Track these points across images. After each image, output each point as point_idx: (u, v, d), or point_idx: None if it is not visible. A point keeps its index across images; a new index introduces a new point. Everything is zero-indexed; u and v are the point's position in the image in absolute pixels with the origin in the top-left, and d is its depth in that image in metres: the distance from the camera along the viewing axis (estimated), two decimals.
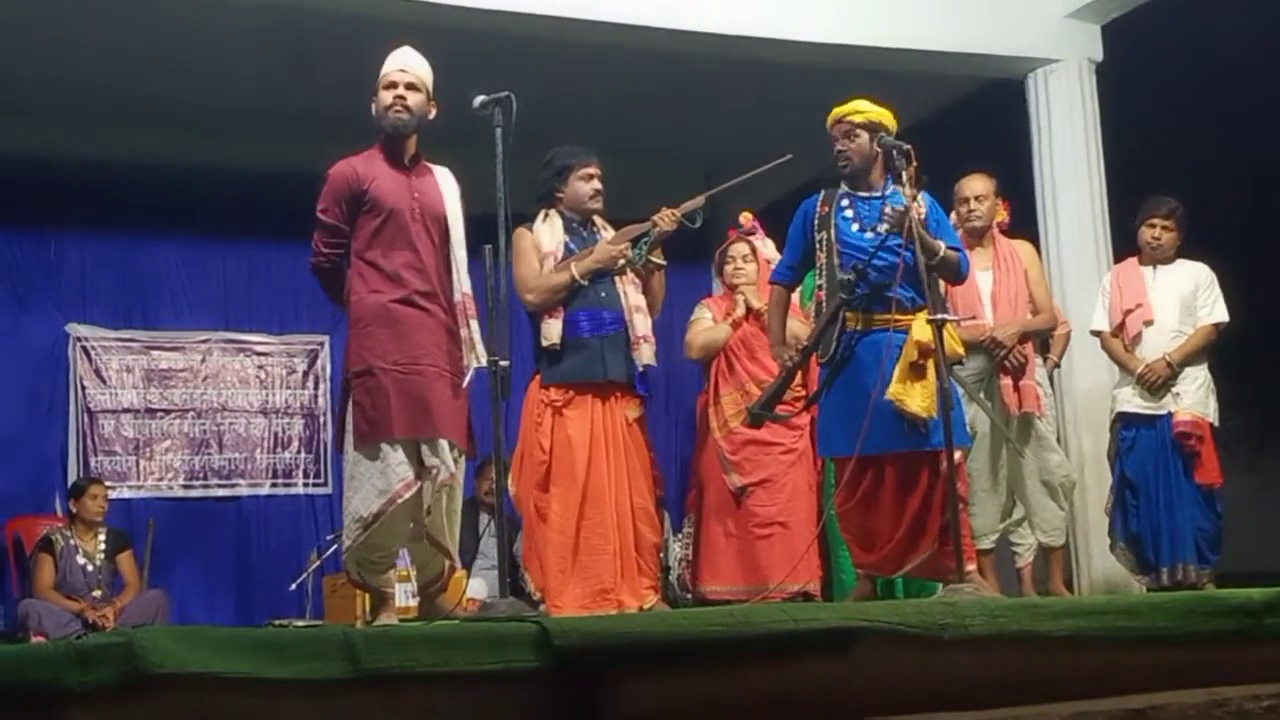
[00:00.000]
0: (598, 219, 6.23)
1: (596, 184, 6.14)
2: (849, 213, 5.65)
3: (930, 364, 5.31)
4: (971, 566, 5.59)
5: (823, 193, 5.77)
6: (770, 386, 5.88)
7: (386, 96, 5.28)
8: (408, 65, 5.32)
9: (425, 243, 5.26)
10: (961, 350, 5.62)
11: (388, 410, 5.07)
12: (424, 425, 5.15)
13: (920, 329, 5.31)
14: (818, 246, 5.68)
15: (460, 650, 3.10)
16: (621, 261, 6.07)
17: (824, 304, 5.65)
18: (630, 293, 6.10)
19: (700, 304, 7.22)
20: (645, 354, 6.06)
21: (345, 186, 5.21)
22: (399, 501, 5.06)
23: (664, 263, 6.24)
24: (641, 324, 6.08)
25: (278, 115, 8.66)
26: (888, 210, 5.49)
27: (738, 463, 6.69)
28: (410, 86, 5.28)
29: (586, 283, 5.99)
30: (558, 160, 6.14)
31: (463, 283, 5.31)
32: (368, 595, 5.45)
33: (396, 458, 5.08)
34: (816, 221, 5.71)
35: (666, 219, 6.11)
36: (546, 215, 6.13)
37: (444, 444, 5.19)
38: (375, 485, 5.07)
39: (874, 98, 5.72)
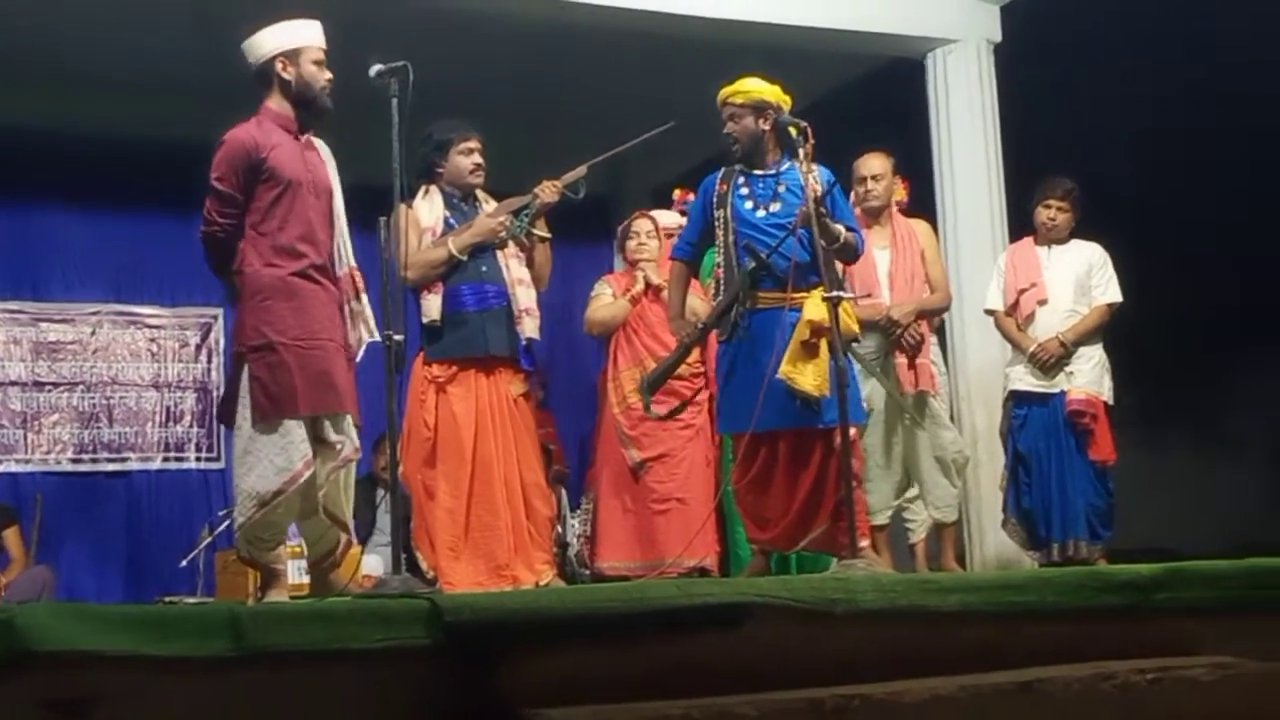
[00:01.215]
0: (480, 193, 6.18)
1: (477, 158, 6.10)
2: (744, 190, 5.69)
3: (823, 342, 5.35)
4: (865, 542, 5.65)
5: (722, 170, 5.80)
6: (664, 361, 5.89)
7: (319, 73, 5.18)
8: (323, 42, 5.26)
9: (317, 215, 5.17)
10: (857, 328, 5.66)
11: (292, 386, 4.96)
12: (329, 400, 5.07)
13: (813, 308, 5.36)
14: (716, 225, 5.71)
15: (350, 627, 3.07)
16: (502, 234, 6.02)
17: (722, 282, 5.67)
18: (513, 266, 6.05)
19: (600, 280, 7.20)
20: (529, 327, 6.03)
21: (244, 155, 5.04)
22: (300, 481, 4.97)
23: (549, 235, 6.20)
24: (525, 297, 6.04)
25: (172, 84, 8.48)
26: (799, 210, 5.50)
27: (636, 438, 6.69)
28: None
29: (465, 258, 5.95)
30: (437, 134, 6.08)
31: (349, 256, 5.25)
32: (257, 572, 5.37)
33: (300, 435, 4.98)
34: (715, 199, 5.74)
35: (548, 190, 6.07)
36: (426, 191, 6.08)
37: (348, 419, 5.14)
38: (274, 463, 4.95)
39: (763, 74, 5.73)
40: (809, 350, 5.39)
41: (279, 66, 5.17)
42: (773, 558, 6.10)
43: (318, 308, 5.10)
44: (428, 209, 6.05)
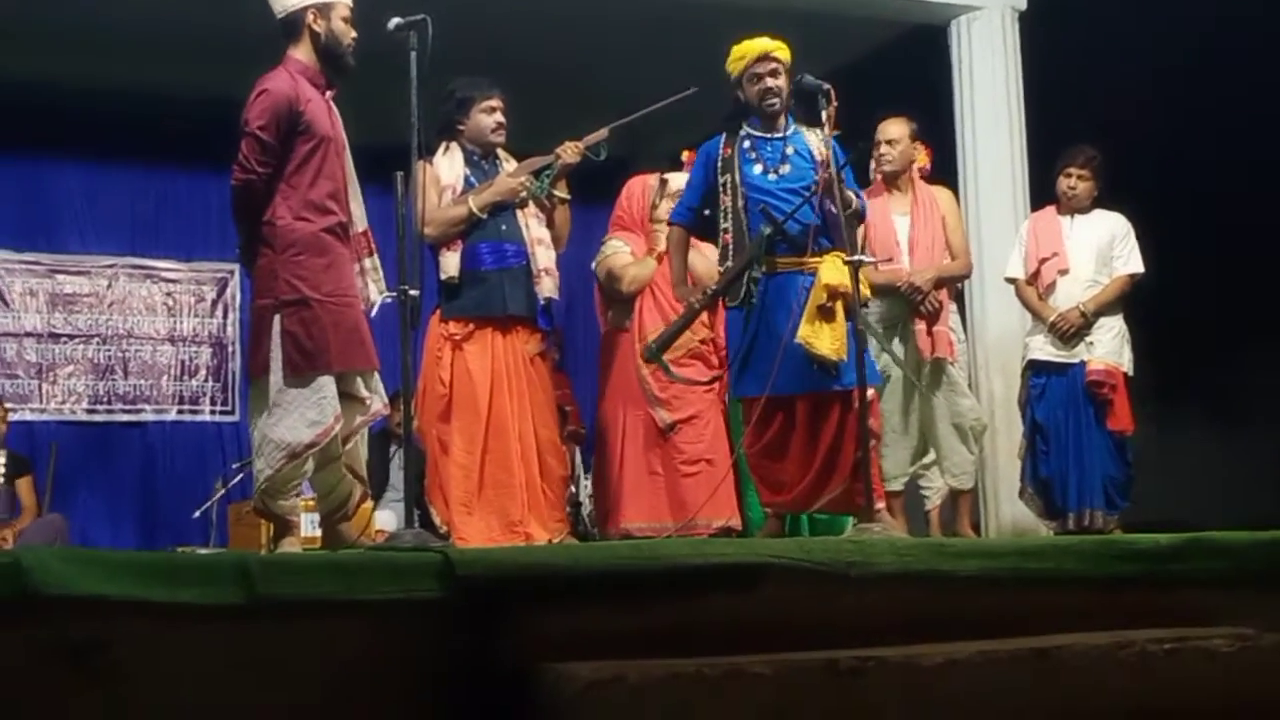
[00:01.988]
0: (500, 152, 6.16)
1: (499, 117, 6.08)
2: (752, 155, 5.62)
3: (839, 306, 5.31)
4: (881, 505, 5.62)
5: (724, 135, 5.72)
6: (671, 325, 5.86)
7: (347, 30, 5.16)
8: None
9: (339, 173, 5.17)
10: (868, 292, 5.63)
11: (325, 342, 4.97)
12: (360, 357, 5.10)
13: (829, 271, 5.32)
14: (721, 190, 5.65)
15: (360, 578, 3.04)
16: (523, 194, 6.01)
17: (730, 247, 5.61)
18: (533, 225, 6.05)
19: (613, 236, 7.00)
20: (547, 287, 6.02)
21: (286, 105, 4.98)
22: (331, 434, 4.99)
23: (568, 196, 6.18)
24: (544, 257, 6.03)
25: (188, 37, 8.45)
26: (819, 176, 5.47)
27: (666, 400, 6.53)
28: None
29: (484, 216, 5.94)
30: (459, 92, 6.07)
31: (363, 216, 5.26)
32: (271, 524, 5.36)
33: (332, 389, 5.00)
34: (720, 164, 5.67)
35: (569, 151, 6.06)
36: (447, 148, 6.07)
37: (376, 376, 5.17)
38: (307, 416, 4.95)
39: (776, 35, 5.68)
40: (826, 314, 5.36)
41: (310, 18, 5.12)
42: (786, 519, 6.07)
43: (346, 265, 5.13)
44: (448, 166, 6.03)
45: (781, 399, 5.50)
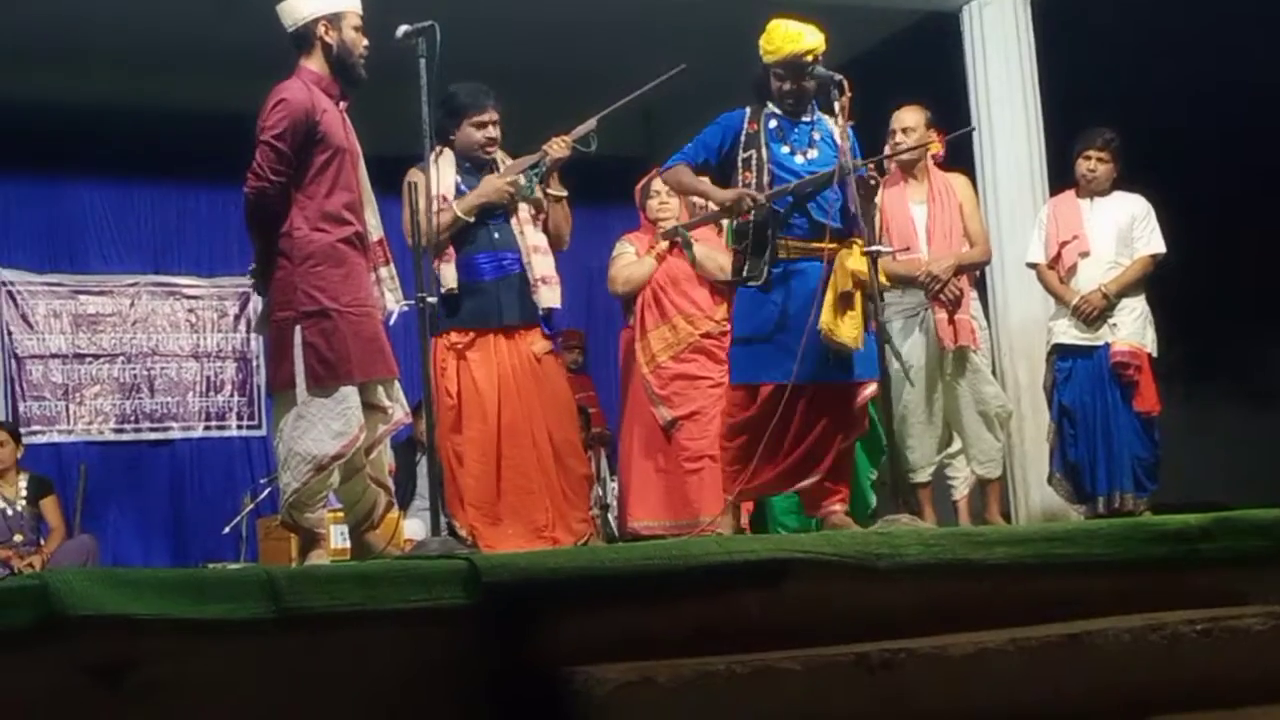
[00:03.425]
0: (500, 155, 6.07)
1: (490, 132, 6.00)
2: (779, 135, 5.58)
3: (859, 295, 5.29)
4: (844, 507, 5.59)
5: (749, 109, 5.66)
6: (705, 215, 5.84)
7: (359, 39, 5.16)
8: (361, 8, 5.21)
9: (354, 183, 5.17)
10: (885, 281, 5.60)
11: (347, 352, 4.97)
12: (381, 366, 5.10)
13: (854, 259, 5.29)
14: (743, 165, 5.57)
15: (387, 588, 3.04)
16: (510, 194, 5.92)
17: (750, 225, 5.53)
18: (528, 232, 5.96)
19: (621, 239, 7.08)
20: (545, 297, 5.94)
21: (304, 115, 4.98)
22: (356, 445, 5.00)
23: (564, 193, 6.07)
24: (541, 265, 5.94)
25: (204, 54, 8.50)
26: (839, 163, 5.42)
27: (666, 396, 6.59)
28: None
29: (471, 219, 5.86)
30: (454, 101, 5.96)
31: (378, 225, 5.26)
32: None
33: (355, 400, 5.00)
34: (744, 139, 5.59)
35: (557, 146, 5.94)
36: (440, 153, 5.92)
37: (397, 385, 5.18)
38: (332, 427, 4.95)
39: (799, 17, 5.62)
40: (845, 302, 5.33)
41: (321, 29, 5.12)
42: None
43: (363, 275, 5.13)
44: (438, 173, 5.94)
45: (797, 387, 5.42)
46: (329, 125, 5.05)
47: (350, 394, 4.99)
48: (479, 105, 5.98)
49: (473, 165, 6.04)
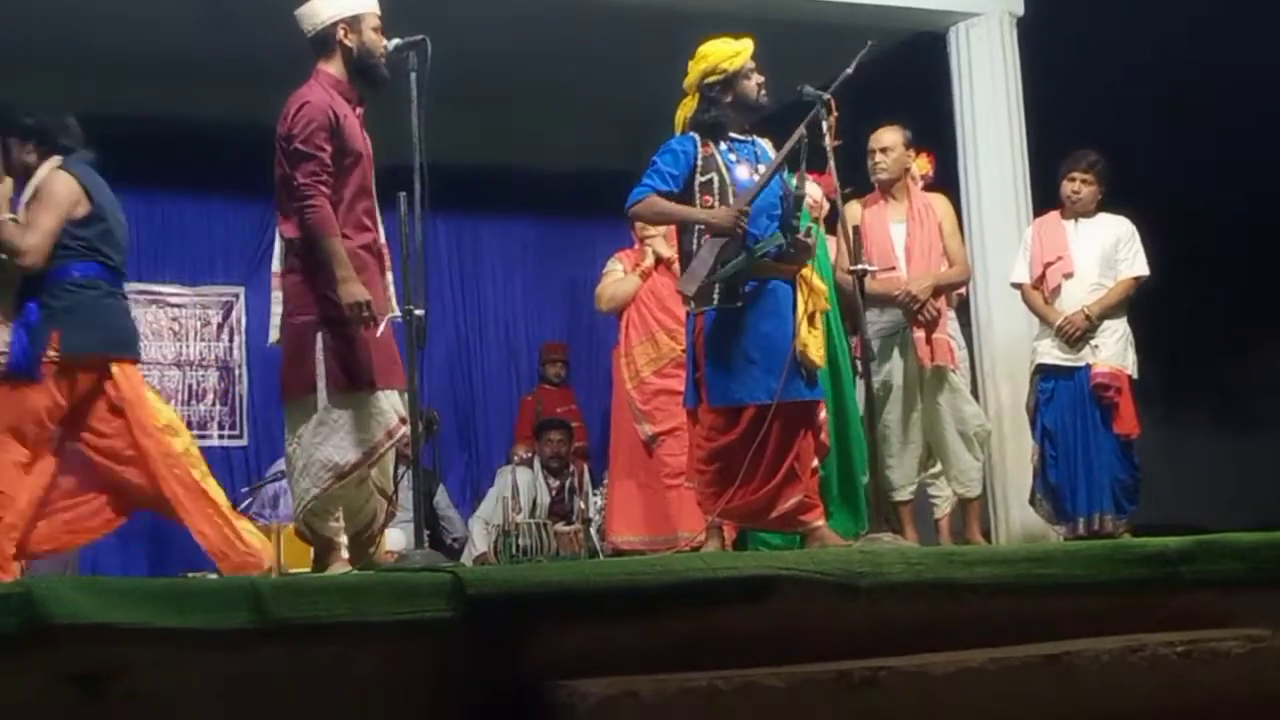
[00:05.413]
0: None
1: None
2: (732, 156, 5.54)
3: (819, 313, 5.33)
4: (822, 522, 5.55)
5: (694, 134, 5.56)
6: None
7: (379, 40, 5.08)
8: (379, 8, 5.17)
9: (373, 189, 5.12)
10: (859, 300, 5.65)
11: (368, 360, 4.93)
12: (395, 375, 5.04)
13: (819, 279, 5.35)
14: (702, 189, 5.47)
15: (372, 600, 3.04)
16: None
17: (716, 245, 5.37)
18: None
19: (612, 257, 7.14)
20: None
21: (326, 118, 4.90)
22: (380, 452, 4.97)
23: None
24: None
25: (191, 63, 8.47)
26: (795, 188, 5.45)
27: (649, 412, 6.63)
28: None
29: None
30: None
31: (381, 233, 5.20)
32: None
33: (379, 407, 4.96)
34: (700, 163, 5.51)
35: None
36: None
37: (398, 395, 5.11)
38: (355, 434, 4.91)
39: (743, 40, 5.61)
40: (812, 321, 5.37)
41: (340, 33, 5.07)
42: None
43: (377, 283, 5.07)
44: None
45: (764, 407, 5.34)
46: (349, 130, 4.99)
47: (373, 400, 4.94)
48: None
49: None
